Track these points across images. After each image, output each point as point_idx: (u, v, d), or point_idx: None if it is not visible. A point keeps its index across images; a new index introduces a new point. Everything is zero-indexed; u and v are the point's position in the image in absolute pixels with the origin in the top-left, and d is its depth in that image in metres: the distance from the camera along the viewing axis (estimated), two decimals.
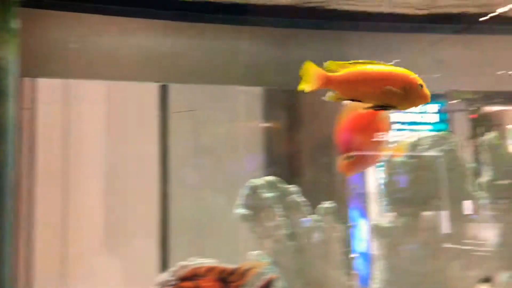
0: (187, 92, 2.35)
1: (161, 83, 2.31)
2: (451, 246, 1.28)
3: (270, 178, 1.29)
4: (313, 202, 1.34)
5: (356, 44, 1.86)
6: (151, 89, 2.33)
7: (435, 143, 1.34)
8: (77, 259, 2.21)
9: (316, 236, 1.27)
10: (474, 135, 1.39)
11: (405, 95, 1.07)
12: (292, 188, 1.30)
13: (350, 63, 1.10)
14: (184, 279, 0.95)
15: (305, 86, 1.08)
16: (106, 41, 1.91)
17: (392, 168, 1.34)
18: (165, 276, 1.09)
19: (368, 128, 1.13)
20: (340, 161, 1.12)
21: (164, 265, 2.24)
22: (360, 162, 1.13)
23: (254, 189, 1.26)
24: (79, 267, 2.20)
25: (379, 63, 1.10)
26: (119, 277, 2.25)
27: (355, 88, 1.09)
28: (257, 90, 2.73)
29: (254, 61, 2.05)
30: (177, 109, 2.36)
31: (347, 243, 1.81)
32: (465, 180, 1.31)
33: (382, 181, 1.34)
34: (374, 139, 1.11)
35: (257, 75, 2.15)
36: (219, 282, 0.97)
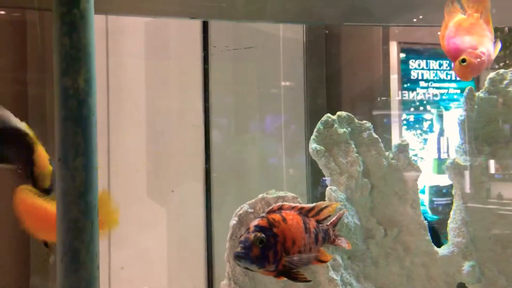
0: (229, 30, 2.27)
1: (201, 19, 2.23)
2: None
3: (343, 113, 1.23)
4: None
5: None
6: (194, 26, 2.25)
7: None
8: (121, 206, 2.21)
9: (392, 174, 1.22)
10: None
11: None
12: (366, 124, 1.23)
13: None
14: (271, 211, 0.93)
15: None
16: None
17: (471, 104, 1.27)
18: (244, 208, 1.05)
19: None
20: None
21: (208, 207, 2.24)
22: None
23: (327, 124, 1.20)
24: (124, 215, 2.20)
25: None
26: (165, 220, 2.26)
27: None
28: (300, 35, 2.64)
29: None
30: (218, 49, 2.29)
31: None
32: None
33: (460, 118, 1.27)
34: None
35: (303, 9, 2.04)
36: (300, 215, 0.96)
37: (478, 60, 1.05)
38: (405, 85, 4.74)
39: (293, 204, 0.97)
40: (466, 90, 1.24)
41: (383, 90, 3.08)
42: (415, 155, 4.66)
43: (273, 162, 2.47)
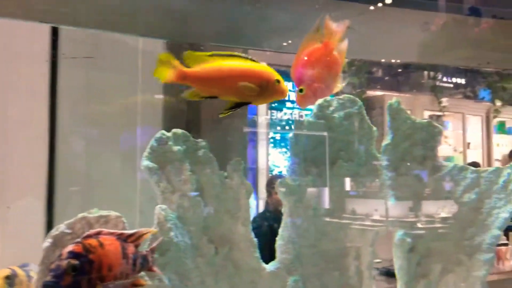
0: (83, 38, 2.17)
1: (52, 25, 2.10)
2: (355, 203, 1.33)
3: (179, 130, 1.22)
4: None
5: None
6: (42, 31, 2.10)
7: (342, 105, 1.37)
8: None
9: (225, 192, 1.24)
10: None
11: (261, 91, 1.09)
12: (202, 142, 1.24)
13: (210, 55, 1.08)
14: (87, 236, 0.88)
15: (161, 77, 1.07)
16: None
17: (300, 128, 1.34)
18: (61, 228, 0.99)
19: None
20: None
21: (50, 224, 2.09)
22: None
23: (161, 141, 1.18)
24: None
25: (239, 57, 1.10)
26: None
27: (211, 85, 1.08)
28: (159, 50, 2.61)
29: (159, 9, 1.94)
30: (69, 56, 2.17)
31: None
32: (371, 143, 1.36)
33: (290, 141, 1.34)
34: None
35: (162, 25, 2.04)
36: (119, 241, 0.94)
37: (314, 93, 1.15)
38: (273, 105, 4.94)
39: (112, 230, 0.95)
40: (296, 114, 1.32)
41: (245, 108, 3.15)
42: (280, 172, 4.86)
43: (126, 177, 2.38)
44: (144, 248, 1.03)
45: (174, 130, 1.21)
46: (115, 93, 2.47)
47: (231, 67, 1.08)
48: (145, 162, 1.16)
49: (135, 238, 0.97)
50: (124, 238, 0.95)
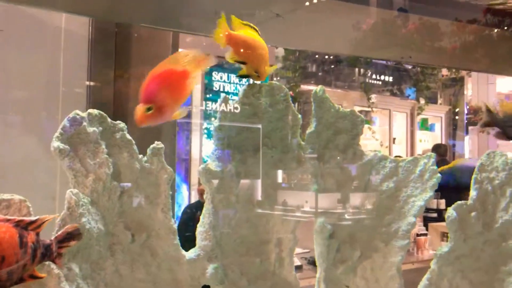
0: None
1: None
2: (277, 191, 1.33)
3: (94, 111, 1.15)
4: None
5: None
6: None
7: (269, 92, 1.35)
8: None
9: (144, 177, 1.18)
10: None
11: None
12: (120, 124, 1.18)
13: (245, 24, 1.20)
14: None
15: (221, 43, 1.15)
16: None
17: (225, 113, 1.32)
18: None
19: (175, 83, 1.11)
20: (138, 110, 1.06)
21: None
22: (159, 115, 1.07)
23: (74, 122, 1.11)
24: None
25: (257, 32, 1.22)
26: None
27: (247, 50, 1.20)
28: (85, 30, 2.48)
29: None
30: None
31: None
32: (296, 130, 1.35)
33: (214, 126, 1.31)
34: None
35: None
36: (16, 228, 0.86)
37: (161, 115, 1.07)
38: (207, 96, 4.89)
39: (8, 217, 0.87)
40: (220, 100, 1.29)
41: None
42: None
43: (45, 163, 2.25)
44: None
45: (89, 110, 1.15)
46: (35, 76, 2.32)
47: (261, 40, 1.21)
48: (56, 143, 1.08)
49: (37, 226, 0.90)
50: (24, 226, 0.88)
